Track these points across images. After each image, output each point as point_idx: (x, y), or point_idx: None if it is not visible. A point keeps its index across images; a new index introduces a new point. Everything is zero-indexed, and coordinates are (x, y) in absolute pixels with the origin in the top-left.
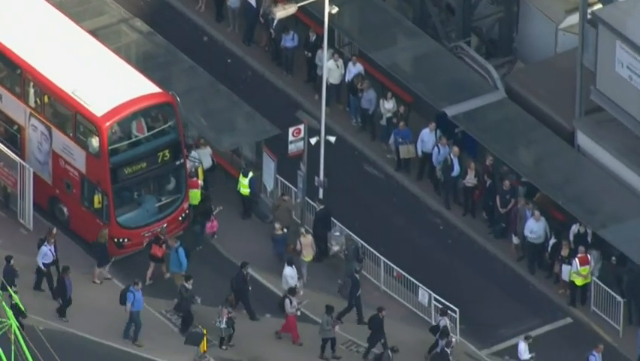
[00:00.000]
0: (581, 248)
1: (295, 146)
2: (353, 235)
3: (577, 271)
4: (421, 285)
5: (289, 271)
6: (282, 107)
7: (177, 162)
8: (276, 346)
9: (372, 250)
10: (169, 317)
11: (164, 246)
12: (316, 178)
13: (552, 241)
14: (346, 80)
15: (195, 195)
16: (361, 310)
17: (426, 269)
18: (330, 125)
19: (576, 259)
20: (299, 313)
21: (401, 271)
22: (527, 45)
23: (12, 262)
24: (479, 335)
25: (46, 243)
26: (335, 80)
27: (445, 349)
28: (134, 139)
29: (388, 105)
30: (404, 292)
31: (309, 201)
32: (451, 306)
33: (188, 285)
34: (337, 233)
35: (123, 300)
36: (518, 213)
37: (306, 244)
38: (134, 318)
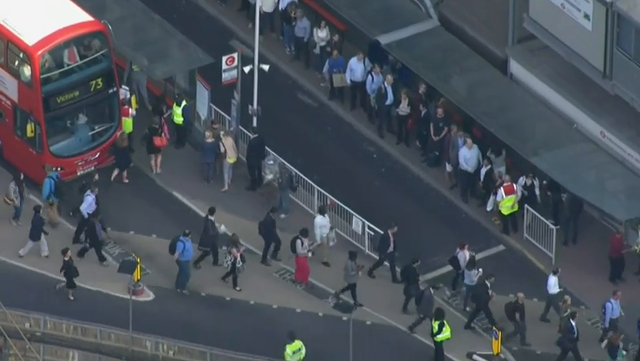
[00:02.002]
0: (507, 177)
1: (229, 74)
2: (287, 163)
3: (502, 201)
4: (354, 213)
5: (320, 220)
6: (216, 36)
7: (110, 91)
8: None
9: (305, 178)
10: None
11: (163, 135)
12: (250, 107)
13: (485, 169)
14: (280, 8)
15: (128, 124)
16: (394, 268)
17: (360, 198)
18: (264, 53)
19: (501, 189)
20: (310, 254)
21: (335, 199)
22: None
23: (40, 211)
24: (414, 258)
25: (90, 192)
26: (268, 8)
27: (486, 282)
28: (66, 68)
29: (322, 34)
30: (338, 221)
31: (243, 129)
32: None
33: (212, 218)
34: (271, 162)
35: (172, 249)
36: (451, 141)
37: (229, 146)
38: (183, 268)
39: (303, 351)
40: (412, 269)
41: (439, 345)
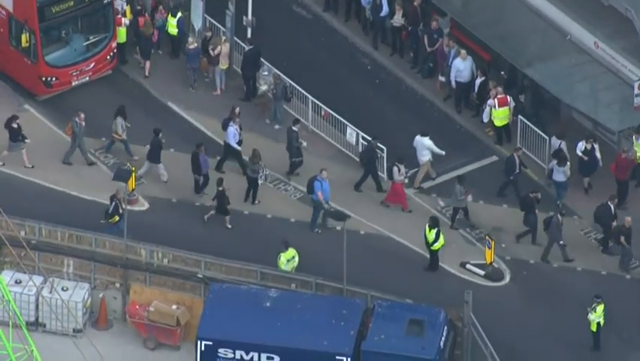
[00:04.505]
0: (500, 89)
1: None
2: (281, 74)
3: (496, 112)
4: (349, 124)
5: (428, 142)
6: None
7: (105, 1)
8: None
9: (300, 89)
10: (97, 156)
11: (146, 14)
12: (244, 18)
13: (479, 80)
14: None
15: (121, 33)
16: (518, 190)
17: (354, 109)
18: None
19: (495, 100)
20: (407, 180)
21: (329, 110)
22: None
23: (160, 135)
24: (405, 173)
25: (232, 123)
26: None
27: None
28: None
29: None
30: (332, 131)
31: (238, 40)
32: (379, 145)
33: (296, 128)
34: (265, 73)
35: (311, 189)
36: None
37: (224, 53)
38: (318, 205)
39: (297, 259)
40: (530, 199)
41: (434, 254)
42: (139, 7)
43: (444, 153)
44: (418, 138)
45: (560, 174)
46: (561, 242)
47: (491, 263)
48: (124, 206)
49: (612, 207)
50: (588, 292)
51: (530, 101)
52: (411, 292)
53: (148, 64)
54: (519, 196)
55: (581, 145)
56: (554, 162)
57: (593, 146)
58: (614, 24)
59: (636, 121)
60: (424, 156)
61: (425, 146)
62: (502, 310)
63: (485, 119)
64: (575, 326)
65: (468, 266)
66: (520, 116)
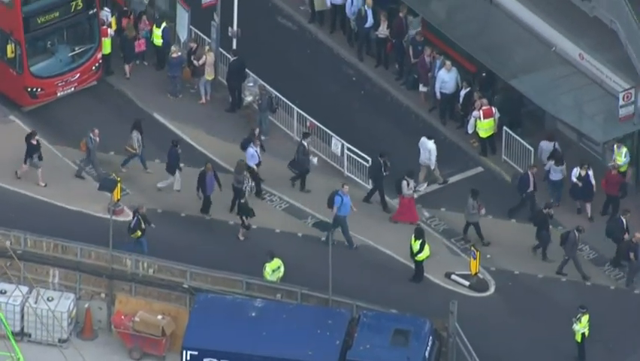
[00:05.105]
0: (485, 101)
1: None
2: (267, 85)
3: (480, 123)
4: (334, 135)
5: (431, 145)
6: None
7: (90, 12)
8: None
9: (285, 100)
10: (82, 167)
11: (131, 16)
12: (230, 29)
13: (464, 91)
14: None
15: (106, 44)
16: (534, 207)
17: (339, 120)
18: None
19: (480, 111)
20: (415, 195)
21: (314, 121)
22: None
23: (178, 146)
24: (392, 184)
25: (252, 144)
26: None
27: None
28: None
29: None
30: (317, 142)
31: (223, 51)
32: (364, 155)
33: (306, 142)
34: (251, 84)
35: (330, 203)
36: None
37: (209, 62)
38: (340, 221)
39: (282, 269)
40: (543, 215)
41: (419, 264)
42: (125, 9)
43: (436, 163)
44: (423, 139)
45: (558, 173)
46: (566, 258)
47: (476, 274)
48: (147, 223)
49: (624, 221)
50: (573, 303)
51: (501, 101)
52: (396, 303)
53: (128, 67)
54: (533, 212)
55: (576, 171)
56: (551, 162)
57: (587, 172)
58: (598, 36)
59: (621, 132)
60: (426, 160)
61: (427, 148)
62: (487, 321)
63: (470, 131)
64: (560, 336)
65: (453, 277)
66: (505, 128)
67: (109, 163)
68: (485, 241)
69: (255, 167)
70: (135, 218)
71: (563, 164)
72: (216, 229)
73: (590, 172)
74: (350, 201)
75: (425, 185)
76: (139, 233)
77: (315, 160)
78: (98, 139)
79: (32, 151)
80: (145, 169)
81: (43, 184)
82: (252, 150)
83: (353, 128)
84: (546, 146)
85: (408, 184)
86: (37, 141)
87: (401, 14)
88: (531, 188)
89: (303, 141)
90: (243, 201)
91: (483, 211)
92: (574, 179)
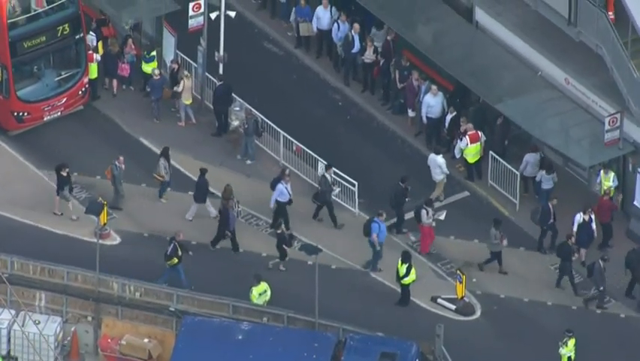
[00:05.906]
0: (470, 125)
1: (195, 21)
2: (253, 109)
3: (467, 149)
4: (320, 159)
5: (441, 160)
6: None
7: (77, 36)
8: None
9: (271, 124)
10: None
11: (110, 24)
12: (216, 53)
13: (450, 116)
14: None
15: (93, 69)
16: (555, 238)
17: (325, 144)
18: (230, 1)
19: (467, 137)
20: (434, 224)
21: (300, 145)
22: None
23: (206, 175)
24: (378, 208)
25: (282, 181)
26: None
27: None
28: (33, 13)
29: None
30: (303, 167)
31: (210, 76)
32: (350, 180)
33: (328, 175)
34: (237, 108)
35: (368, 231)
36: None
37: (187, 87)
38: (376, 249)
39: (269, 293)
40: (567, 246)
41: (405, 288)
42: (102, 17)
43: (448, 172)
44: (431, 155)
45: (549, 182)
46: (601, 288)
47: (462, 298)
48: (184, 250)
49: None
50: (559, 327)
51: (473, 113)
52: (383, 326)
53: (115, 82)
54: (554, 243)
55: (579, 217)
56: (542, 172)
57: (590, 217)
58: (584, 60)
59: (607, 157)
60: (438, 175)
61: (437, 164)
62: (473, 345)
63: (457, 155)
64: (547, 360)
65: (439, 301)
66: (490, 152)
67: (93, 187)
68: (504, 271)
69: (286, 203)
70: (172, 245)
71: (553, 172)
72: (203, 253)
73: (593, 216)
74: (386, 228)
75: (445, 213)
76: (175, 260)
77: (338, 189)
78: (123, 166)
79: (63, 184)
80: (159, 198)
81: (75, 217)
82: (282, 187)
83: (339, 153)
84: (532, 158)
85: (427, 213)
86: (68, 173)
87: (389, 37)
88: (551, 219)
89: (325, 173)
90: (279, 231)
91: (505, 242)
92: (577, 225)
